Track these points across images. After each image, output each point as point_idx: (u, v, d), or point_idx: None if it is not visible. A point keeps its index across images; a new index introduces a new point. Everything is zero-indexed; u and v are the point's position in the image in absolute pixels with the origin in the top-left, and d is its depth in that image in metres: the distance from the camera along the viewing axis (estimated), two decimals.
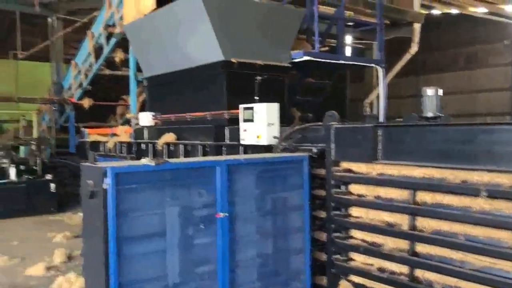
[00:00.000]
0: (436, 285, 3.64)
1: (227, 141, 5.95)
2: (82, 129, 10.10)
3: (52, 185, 10.09)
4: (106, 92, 11.39)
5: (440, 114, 4.94)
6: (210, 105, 6.43)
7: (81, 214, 9.07)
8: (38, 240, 7.61)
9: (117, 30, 8.58)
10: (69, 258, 6.34)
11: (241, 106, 5.46)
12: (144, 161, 3.58)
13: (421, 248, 3.76)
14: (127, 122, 11.12)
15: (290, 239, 4.44)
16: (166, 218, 3.70)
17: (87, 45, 9.84)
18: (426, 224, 3.70)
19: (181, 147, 6.68)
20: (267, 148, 5.17)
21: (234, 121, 5.95)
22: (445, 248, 3.58)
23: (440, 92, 4.98)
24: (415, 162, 3.74)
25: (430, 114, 4.94)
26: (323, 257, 4.54)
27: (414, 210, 3.74)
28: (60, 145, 11.44)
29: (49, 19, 11.84)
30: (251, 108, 5.28)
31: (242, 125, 5.40)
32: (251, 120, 5.26)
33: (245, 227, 4.13)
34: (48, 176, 10.14)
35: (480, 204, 3.34)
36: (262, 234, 4.27)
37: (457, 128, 3.55)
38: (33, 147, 10.66)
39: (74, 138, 10.54)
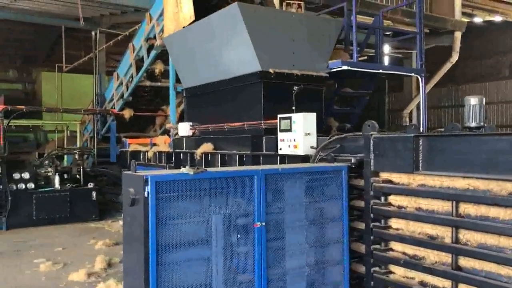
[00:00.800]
0: None
1: (264, 151, 5.98)
2: (123, 139, 10.36)
3: (94, 193, 10.37)
4: (146, 103, 11.67)
5: (484, 124, 4.79)
6: (247, 115, 6.48)
7: (121, 222, 9.25)
8: (80, 246, 7.82)
9: (157, 42, 8.81)
10: (109, 265, 6.47)
11: (279, 116, 5.47)
12: (183, 170, 3.63)
13: (465, 262, 3.63)
14: (166, 132, 11.36)
15: (328, 250, 4.38)
16: (205, 226, 3.73)
17: (129, 57, 10.14)
18: (470, 237, 3.58)
19: (219, 156, 6.75)
20: (304, 158, 5.15)
21: (271, 131, 5.97)
22: (491, 263, 3.44)
23: (484, 101, 4.84)
24: (458, 173, 3.63)
25: (473, 124, 4.80)
26: (362, 269, 4.45)
27: (457, 223, 3.62)
28: (101, 154, 11.77)
29: (93, 33, 12.26)
30: (289, 118, 5.29)
31: (280, 135, 5.41)
32: (289, 130, 5.26)
33: (282, 237, 4.11)
34: (90, 185, 10.43)
35: None
36: (300, 245, 4.23)
37: (503, 137, 3.42)
38: (76, 156, 11.00)
39: (115, 148, 10.82)
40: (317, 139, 5.22)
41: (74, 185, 10.36)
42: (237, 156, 6.30)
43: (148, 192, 3.39)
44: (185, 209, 3.64)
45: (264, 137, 6.01)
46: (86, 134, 13.41)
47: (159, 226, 3.45)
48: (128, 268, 3.80)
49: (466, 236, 3.60)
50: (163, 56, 9.29)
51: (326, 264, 4.36)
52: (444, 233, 3.74)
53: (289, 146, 5.27)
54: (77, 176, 10.71)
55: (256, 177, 3.87)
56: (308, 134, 5.15)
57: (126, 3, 12.56)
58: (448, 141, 3.79)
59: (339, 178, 4.39)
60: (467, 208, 3.59)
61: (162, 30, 8.43)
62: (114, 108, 11.13)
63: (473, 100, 4.87)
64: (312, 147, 5.10)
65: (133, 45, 9.97)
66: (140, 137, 11.27)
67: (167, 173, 3.66)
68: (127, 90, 10.48)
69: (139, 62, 9.94)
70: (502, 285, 3.34)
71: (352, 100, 8.94)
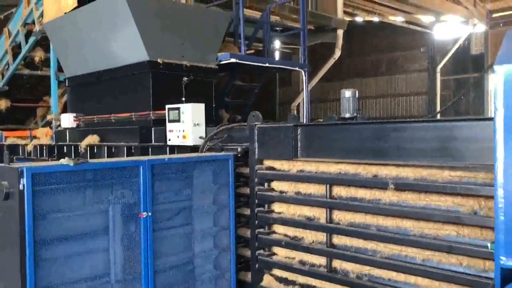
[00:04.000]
0: (351, 274, 3.87)
1: (154, 142, 5.93)
2: None
3: None
4: (26, 93, 10.84)
5: (357, 115, 5.26)
6: (135, 106, 6.34)
7: None
8: None
9: (36, 28, 8.22)
10: None
11: (167, 106, 5.47)
12: (63, 161, 3.50)
13: (337, 240, 3.98)
14: (48, 124, 10.67)
15: (216, 237, 4.51)
16: (90, 219, 3.64)
17: (3, 44, 9.33)
18: (341, 216, 3.93)
19: (105, 149, 6.53)
20: (193, 149, 5.22)
21: (160, 122, 5.92)
22: (359, 239, 3.83)
23: (357, 94, 5.31)
24: (332, 159, 3.97)
25: (347, 115, 5.24)
26: (248, 253, 4.65)
27: (331, 204, 3.96)
28: None
29: None
30: (177, 109, 5.31)
31: (168, 126, 5.41)
32: (177, 121, 5.28)
33: (170, 226, 4.15)
34: None
35: (389, 196, 3.62)
36: (188, 233, 4.31)
37: (368, 126, 3.81)
38: None
39: None
40: (206, 129, 5.32)
41: None
42: (125, 147, 6.16)
43: (23, 185, 3.21)
44: (67, 202, 3.52)
45: (153, 128, 5.96)
46: None
47: (37, 220, 3.29)
48: (1, 271, 3.56)
49: (339, 216, 3.95)
50: (43, 42, 8.70)
51: (214, 251, 4.50)
52: (320, 214, 4.06)
53: (178, 136, 5.29)
54: None
55: (141, 167, 3.85)
56: (197, 124, 5.22)
57: None
58: (323, 130, 4.12)
59: (226, 166, 4.53)
60: (339, 191, 3.93)
61: (42, 15, 7.90)
62: None
63: (347, 93, 5.31)
64: (201, 137, 5.18)
65: (8, 29, 9.19)
66: (20, 130, 10.45)
67: (45, 165, 3.49)
68: (2, 79, 9.64)
69: (16, 49, 9.19)
70: (368, 257, 3.74)
71: (244, 93, 9.19)
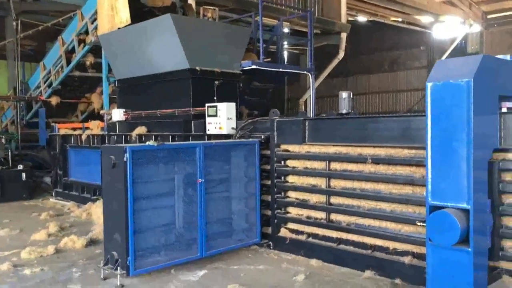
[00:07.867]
0: (343, 223, 5.56)
1: (193, 132, 7.60)
2: (53, 124, 11.26)
3: (24, 175, 11.15)
4: (71, 91, 12.58)
5: (351, 111, 6.91)
6: (177, 104, 8.03)
7: (51, 199, 10.24)
8: (26, 218, 8.78)
9: (90, 38, 9.91)
10: (62, 228, 7.66)
11: (207, 104, 7.14)
12: (149, 143, 5.20)
13: (333, 199, 5.67)
14: (89, 117, 12.40)
15: (246, 200, 6.21)
16: (165, 183, 5.34)
17: (58, 50, 11.04)
18: (336, 183, 5.62)
19: (153, 137, 8.19)
20: (227, 137, 6.89)
21: (197, 117, 7.61)
22: (348, 198, 5.51)
23: (351, 95, 6.95)
24: (330, 143, 5.64)
25: (344, 111, 6.90)
26: (268, 213, 6.35)
27: (329, 175, 5.64)
28: (26, 139, 12.44)
29: (14, 22, 12.56)
30: (215, 106, 6.98)
31: (208, 119, 7.09)
32: (215, 115, 6.95)
33: (215, 191, 5.84)
34: (20, 167, 11.19)
35: (368, 168, 5.28)
36: (227, 197, 6.00)
37: (355, 120, 5.49)
38: (3, 140, 11.63)
39: (44, 132, 11.63)
40: (236, 122, 6.99)
41: (4, 167, 11.05)
42: (170, 136, 7.85)
43: (127, 158, 4.92)
44: (149, 171, 5.21)
45: (193, 121, 7.64)
46: (5, 120, 13.85)
47: (134, 183, 5.00)
48: (108, 215, 5.27)
49: (334, 183, 5.64)
50: (93, 49, 10.40)
51: (245, 210, 6.19)
52: (321, 182, 5.74)
53: (215, 127, 6.97)
54: (2, 160, 11.37)
55: (198, 148, 5.55)
56: (230, 118, 6.89)
57: None
58: (323, 123, 5.80)
59: (253, 149, 6.22)
60: (334, 165, 5.61)
61: (95, 28, 9.59)
62: (41, 95, 11.91)
63: (344, 94, 6.95)
64: (232, 128, 6.86)
65: (62, 38, 10.90)
66: (61, 122, 12.15)
67: (137, 145, 5.20)
68: (56, 79, 11.37)
69: (68, 54, 10.91)
70: (354, 211, 5.42)
71: (260, 92, 10.88)
